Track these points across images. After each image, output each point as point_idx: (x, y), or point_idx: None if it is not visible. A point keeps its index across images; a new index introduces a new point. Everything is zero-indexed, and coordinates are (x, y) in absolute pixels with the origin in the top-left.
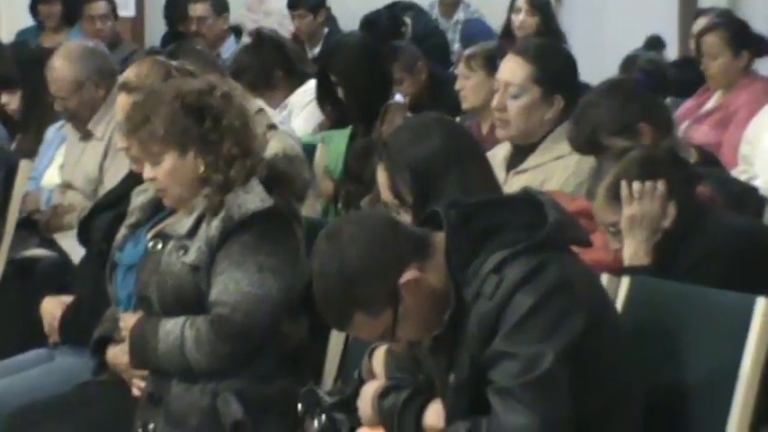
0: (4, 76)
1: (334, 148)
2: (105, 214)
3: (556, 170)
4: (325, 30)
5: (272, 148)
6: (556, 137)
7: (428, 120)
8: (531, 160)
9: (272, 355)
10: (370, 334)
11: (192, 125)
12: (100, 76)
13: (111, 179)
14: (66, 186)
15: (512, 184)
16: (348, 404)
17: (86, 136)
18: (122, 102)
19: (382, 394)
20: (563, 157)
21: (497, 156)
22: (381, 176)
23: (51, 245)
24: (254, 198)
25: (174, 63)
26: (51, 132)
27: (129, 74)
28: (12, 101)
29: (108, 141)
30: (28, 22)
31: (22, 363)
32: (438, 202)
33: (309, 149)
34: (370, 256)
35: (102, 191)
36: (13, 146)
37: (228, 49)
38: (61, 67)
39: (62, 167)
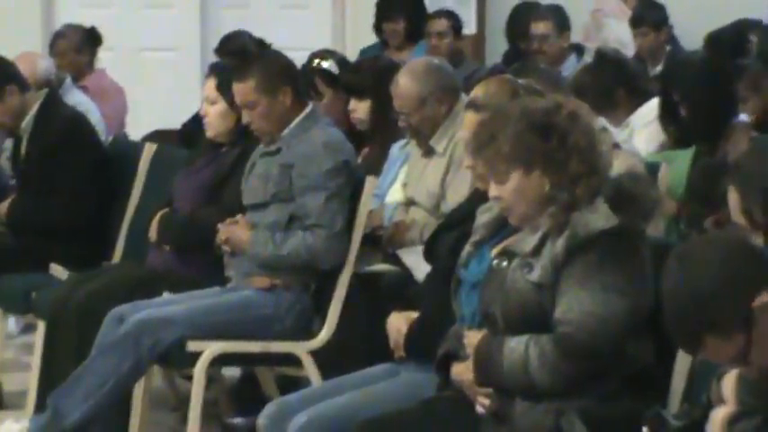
0: (356, 83)
1: (676, 168)
2: (451, 232)
3: None
4: (667, 48)
5: (616, 167)
6: None
7: None
8: None
9: (617, 376)
10: (721, 357)
11: (538, 144)
12: (443, 93)
13: (453, 194)
14: (409, 203)
15: None
16: (696, 428)
17: (429, 152)
18: (470, 120)
19: (733, 420)
20: None
21: None
22: (733, 199)
23: (394, 260)
24: (599, 217)
25: (520, 82)
26: (395, 150)
27: (477, 92)
28: (359, 108)
29: (450, 157)
30: (371, 39)
31: (368, 377)
32: None
33: (652, 169)
34: (724, 279)
35: (444, 206)
36: (359, 159)
37: (569, 67)
38: (405, 84)
39: (405, 185)
